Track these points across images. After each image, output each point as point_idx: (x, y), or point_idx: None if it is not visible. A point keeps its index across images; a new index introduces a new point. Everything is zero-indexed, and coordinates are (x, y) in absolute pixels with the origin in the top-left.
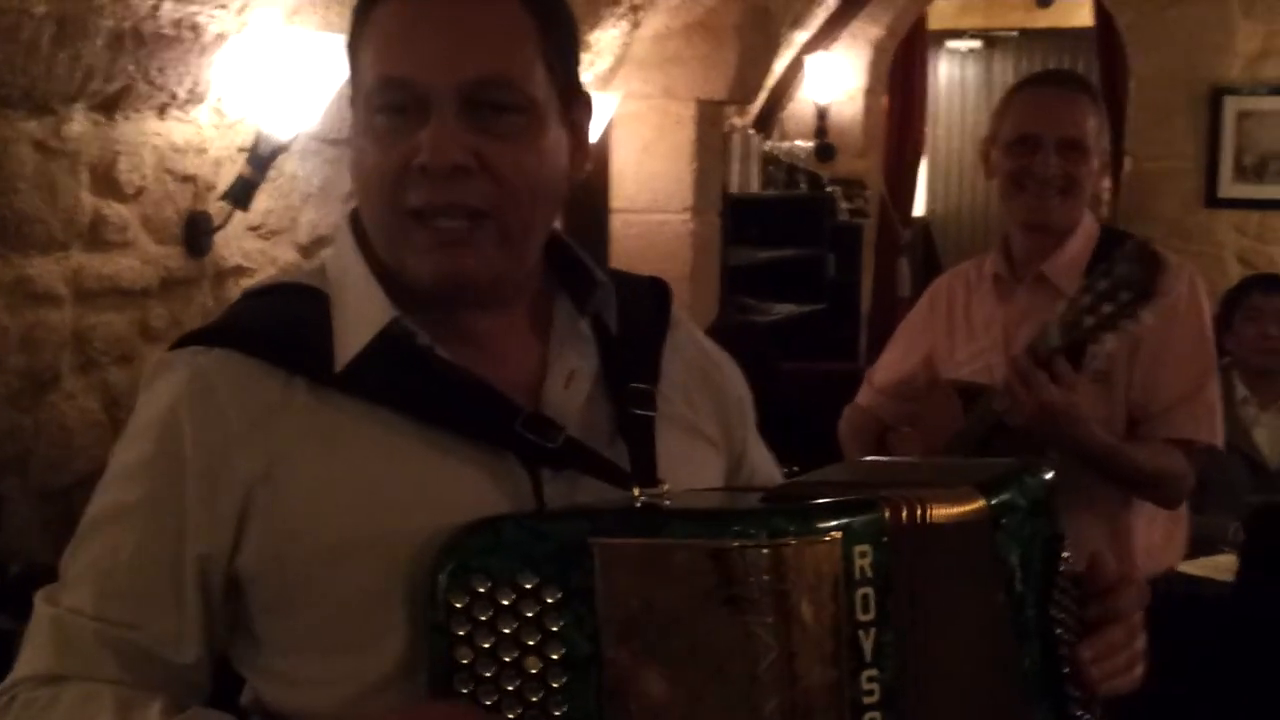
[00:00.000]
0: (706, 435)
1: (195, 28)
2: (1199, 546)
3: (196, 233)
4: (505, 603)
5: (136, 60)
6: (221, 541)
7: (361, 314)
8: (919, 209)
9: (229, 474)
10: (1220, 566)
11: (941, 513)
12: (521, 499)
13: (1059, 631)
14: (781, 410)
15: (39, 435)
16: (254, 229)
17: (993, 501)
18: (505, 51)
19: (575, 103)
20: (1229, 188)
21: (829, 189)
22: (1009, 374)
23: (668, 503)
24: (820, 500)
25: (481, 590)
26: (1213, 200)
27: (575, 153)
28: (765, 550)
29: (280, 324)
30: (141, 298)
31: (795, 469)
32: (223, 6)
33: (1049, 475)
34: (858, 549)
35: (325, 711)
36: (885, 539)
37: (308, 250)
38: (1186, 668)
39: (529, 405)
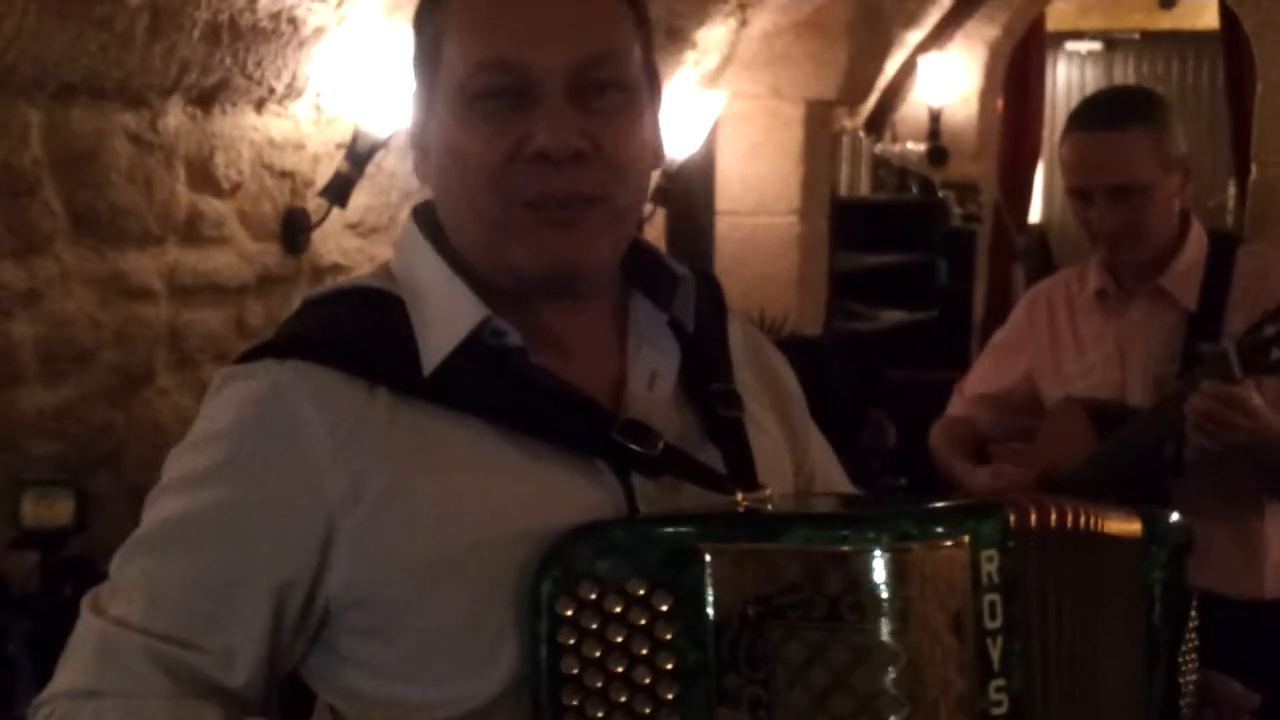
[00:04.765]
0: (772, 432)
1: (293, 21)
2: None
3: (294, 229)
4: (615, 610)
5: (233, 53)
6: (304, 569)
7: (447, 315)
8: (1035, 215)
9: (314, 501)
10: None
11: (1087, 522)
12: (617, 506)
13: (1181, 681)
14: (889, 420)
15: (132, 432)
16: (352, 226)
17: (1149, 527)
18: (608, 26)
19: (657, 94)
20: None
21: (941, 193)
22: (1198, 411)
23: (769, 507)
24: (942, 503)
25: (590, 598)
26: None
27: (656, 144)
28: (889, 555)
29: (358, 332)
30: (238, 295)
31: (903, 480)
32: (321, 0)
33: (1189, 530)
34: (984, 553)
35: None
36: (1011, 543)
37: None
38: None
39: (612, 407)
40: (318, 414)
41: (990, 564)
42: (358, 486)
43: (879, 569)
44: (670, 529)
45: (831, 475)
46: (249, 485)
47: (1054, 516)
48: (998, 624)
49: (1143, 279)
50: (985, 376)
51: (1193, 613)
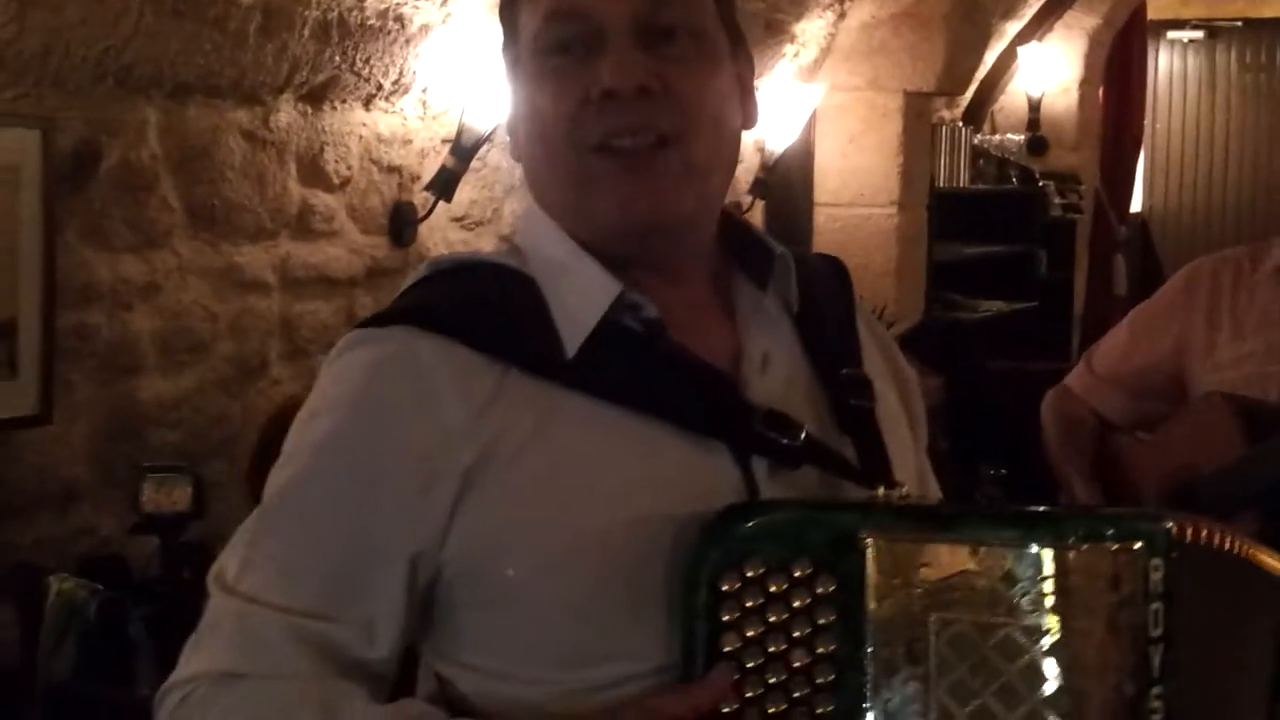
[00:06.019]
0: (903, 423)
1: (400, 19)
2: None
3: (401, 223)
4: (778, 589)
5: (342, 51)
6: (434, 538)
7: (581, 292)
8: (1136, 205)
9: (446, 470)
10: None
11: (1239, 546)
12: (737, 492)
13: None
14: (989, 410)
15: (246, 421)
16: (458, 220)
17: None
18: None
19: (741, 53)
20: None
21: (1041, 183)
22: None
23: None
24: (1108, 510)
25: (753, 575)
26: None
27: (745, 104)
28: (1061, 554)
29: (495, 312)
30: (348, 286)
31: (1002, 471)
32: None
33: None
34: (1153, 561)
35: (538, 708)
36: (1175, 554)
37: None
38: None
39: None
40: (452, 383)
41: (1157, 573)
42: (485, 458)
43: (1049, 568)
44: (833, 514)
45: (926, 471)
46: (379, 456)
47: (1205, 534)
48: (1160, 632)
49: None
50: (1125, 350)
51: None
